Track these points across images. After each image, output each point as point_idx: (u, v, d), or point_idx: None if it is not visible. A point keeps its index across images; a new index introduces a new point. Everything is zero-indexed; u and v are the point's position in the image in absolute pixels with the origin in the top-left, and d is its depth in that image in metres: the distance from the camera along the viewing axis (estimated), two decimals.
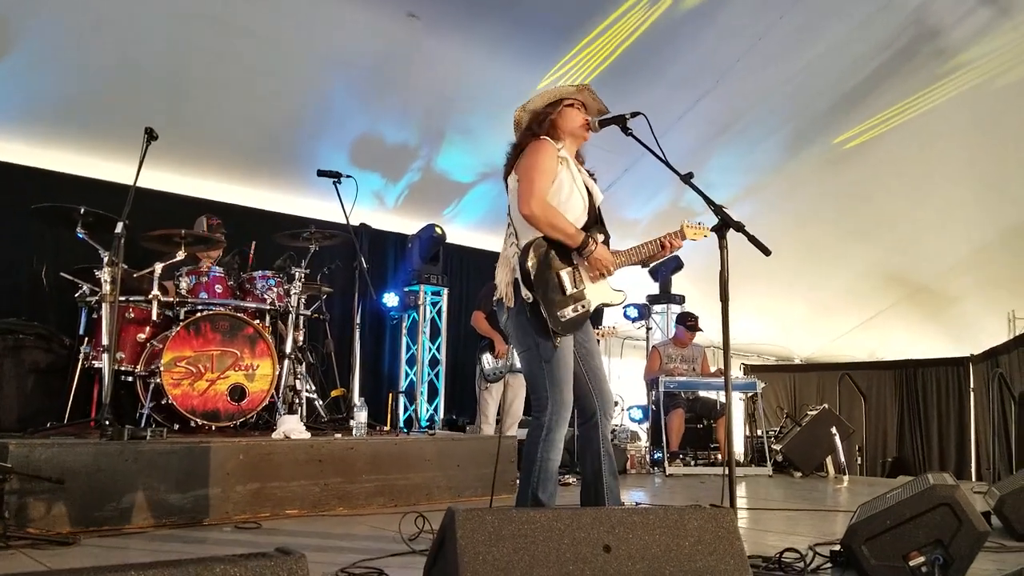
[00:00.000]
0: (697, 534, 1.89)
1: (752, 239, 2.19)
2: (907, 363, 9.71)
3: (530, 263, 2.58)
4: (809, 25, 6.10)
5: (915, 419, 9.56)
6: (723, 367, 2.31)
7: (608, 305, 2.75)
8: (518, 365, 5.40)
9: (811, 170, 8.01)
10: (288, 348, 4.51)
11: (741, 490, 5.18)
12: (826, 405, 6.90)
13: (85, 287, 4.16)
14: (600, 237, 2.71)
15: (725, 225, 2.23)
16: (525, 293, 2.55)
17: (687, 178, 2.37)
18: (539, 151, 2.65)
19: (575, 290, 2.63)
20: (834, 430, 6.50)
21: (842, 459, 6.56)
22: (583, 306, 2.63)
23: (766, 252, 2.20)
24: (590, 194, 2.76)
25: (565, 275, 2.62)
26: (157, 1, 4.83)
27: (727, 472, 2.12)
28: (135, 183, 3.73)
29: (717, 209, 2.28)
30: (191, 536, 2.95)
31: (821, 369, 10.65)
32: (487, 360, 5.44)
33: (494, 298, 2.79)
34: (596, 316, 2.81)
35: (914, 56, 6.58)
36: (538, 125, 2.74)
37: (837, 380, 9.22)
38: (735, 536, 1.94)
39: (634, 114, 2.62)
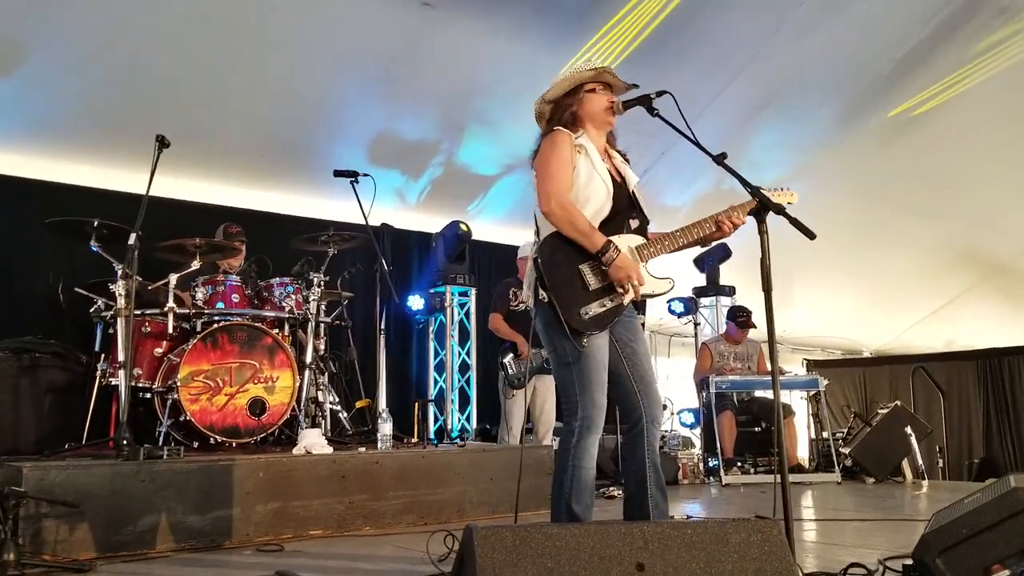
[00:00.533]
0: (741, 550, 1.84)
1: (794, 222, 2.15)
2: (990, 352, 9.41)
3: (543, 260, 2.58)
4: None
5: (1003, 415, 9.26)
6: (774, 363, 2.28)
7: (650, 296, 2.71)
8: (545, 364, 5.39)
9: (868, 144, 7.83)
10: (308, 358, 4.58)
11: (807, 499, 5.08)
12: (899, 402, 6.73)
13: (100, 302, 4.29)
14: (634, 224, 2.68)
15: (764, 208, 2.19)
16: (541, 293, 2.55)
17: (720, 159, 2.34)
18: (553, 143, 2.65)
19: (602, 283, 2.59)
20: (909, 430, 6.33)
21: (920, 462, 6.39)
22: (612, 300, 2.59)
23: (810, 236, 2.16)
24: (623, 179, 2.75)
25: (588, 268, 2.59)
26: (164, 8, 4.96)
27: (779, 479, 2.08)
28: (147, 192, 3.82)
29: (754, 191, 2.26)
30: (211, 560, 3.02)
31: (893, 362, 10.40)
32: (510, 364, 5.41)
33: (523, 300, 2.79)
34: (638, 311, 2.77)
35: (976, 13, 6.39)
36: (559, 116, 2.75)
37: (911, 374, 9.00)
38: (784, 551, 1.90)
39: (660, 93, 2.59)
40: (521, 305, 5.51)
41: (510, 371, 5.41)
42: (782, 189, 2.79)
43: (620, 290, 2.58)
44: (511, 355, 5.43)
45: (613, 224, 2.63)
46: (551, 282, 2.55)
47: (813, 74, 6.85)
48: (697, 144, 2.53)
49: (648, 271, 2.68)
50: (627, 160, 2.85)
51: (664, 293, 2.72)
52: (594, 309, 2.56)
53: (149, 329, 4.28)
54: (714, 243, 2.83)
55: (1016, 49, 6.77)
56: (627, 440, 2.71)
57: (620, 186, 2.70)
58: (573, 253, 2.59)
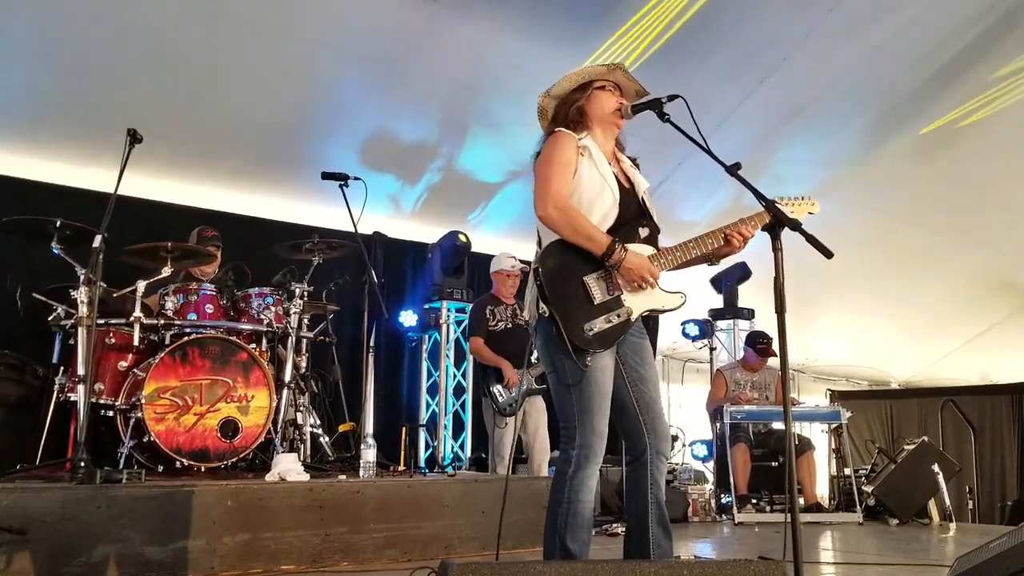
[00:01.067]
0: None
1: (811, 239, 2.11)
2: None
3: (544, 271, 2.52)
4: None
5: None
6: (785, 392, 2.22)
7: (659, 312, 2.65)
8: (534, 384, 5.34)
9: (901, 161, 7.80)
10: (288, 376, 4.53)
11: (825, 541, 5.05)
12: (926, 438, 6.68)
13: (60, 309, 4.24)
14: (644, 232, 2.65)
15: (778, 223, 2.15)
16: (542, 307, 2.50)
17: (733, 169, 2.31)
18: (554, 144, 2.63)
19: (608, 297, 2.55)
20: (936, 468, 6.29)
21: (948, 503, 6.34)
22: (619, 316, 2.54)
23: (828, 255, 2.12)
24: (632, 184, 2.72)
25: (593, 281, 2.55)
26: None
27: (789, 518, 2.03)
28: (116, 191, 3.78)
29: (768, 204, 2.22)
30: None
31: (922, 395, 10.37)
32: (499, 392, 5.34)
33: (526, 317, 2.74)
34: (650, 334, 2.73)
35: (1017, 24, 6.36)
36: (564, 114, 2.72)
37: (940, 408, 8.94)
38: None
39: (671, 97, 2.57)
40: (500, 324, 5.46)
41: (499, 399, 5.34)
42: (803, 198, 2.75)
43: (635, 291, 2.54)
44: (496, 383, 5.35)
45: (621, 233, 2.59)
46: (552, 295, 2.50)
47: (844, 85, 6.83)
48: (709, 152, 2.49)
49: (659, 285, 2.63)
50: (637, 166, 2.82)
51: (675, 308, 2.67)
52: (599, 325, 2.52)
53: (113, 340, 4.22)
54: (725, 258, 2.78)
55: None
56: (630, 473, 2.66)
57: (628, 192, 2.67)
58: (577, 263, 2.55)
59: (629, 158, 2.82)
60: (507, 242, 7.69)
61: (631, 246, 2.57)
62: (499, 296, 5.60)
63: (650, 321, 2.71)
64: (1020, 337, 10.36)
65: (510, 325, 5.47)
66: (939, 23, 6.35)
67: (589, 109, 2.71)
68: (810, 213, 2.68)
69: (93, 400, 3.99)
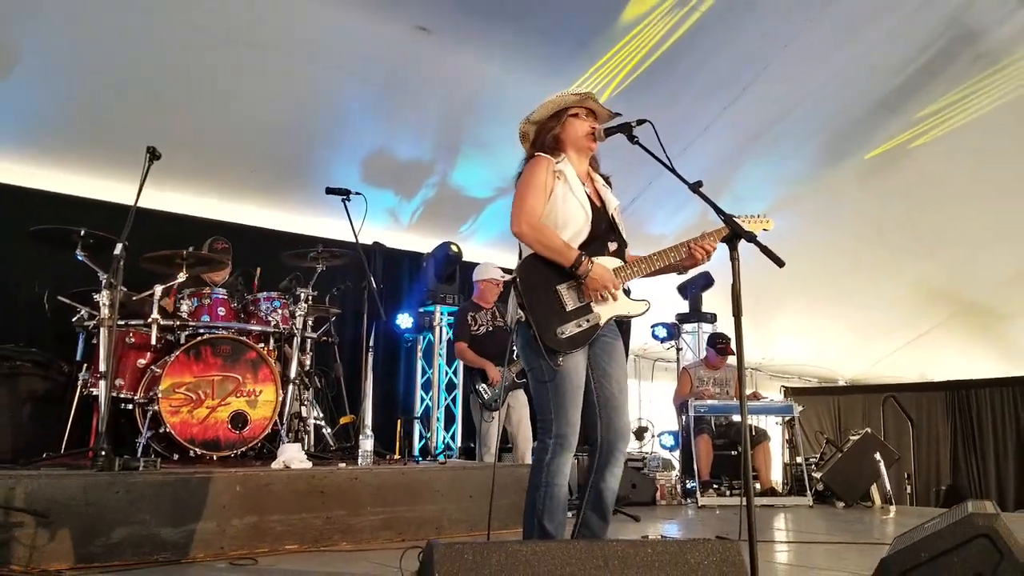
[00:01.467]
0: (699, 570, 1.82)
1: (764, 249, 2.12)
2: (959, 384, 9.43)
3: (522, 281, 2.56)
4: (841, 28, 5.99)
5: (969, 444, 9.28)
6: (753, 390, 2.23)
7: (625, 317, 2.67)
8: (516, 380, 5.34)
9: (850, 181, 7.85)
10: (293, 373, 4.50)
11: (779, 522, 5.07)
12: (868, 429, 6.71)
13: (83, 311, 4.20)
14: (612, 247, 2.66)
15: (736, 235, 2.15)
16: (520, 312, 2.55)
17: (695, 187, 2.31)
18: (532, 168, 2.66)
19: (579, 304, 2.57)
20: (878, 456, 6.32)
21: (888, 488, 6.36)
22: (588, 321, 2.56)
23: (779, 263, 2.13)
24: (603, 203, 2.73)
25: (565, 289, 2.57)
26: (159, 16, 4.87)
27: (744, 502, 2.02)
28: (136, 203, 3.75)
29: (727, 218, 2.23)
30: (182, 572, 2.91)
31: (866, 392, 10.41)
32: (484, 390, 5.34)
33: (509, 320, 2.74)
34: (623, 336, 2.74)
35: (954, 60, 6.43)
36: (542, 139, 2.74)
37: (882, 403, 8.98)
38: (741, 572, 1.87)
39: (640, 121, 2.58)
40: (481, 328, 5.46)
41: (485, 396, 5.35)
42: (758, 216, 2.76)
43: (598, 300, 2.57)
44: (482, 383, 5.35)
45: (592, 248, 2.61)
46: (528, 302, 2.53)
47: (799, 112, 6.87)
48: (673, 171, 2.50)
49: (624, 293, 2.65)
50: (610, 184, 2.83)
51: (640, 314, 2.69)
52: (570, 329, 2.54)
53: (132, 340, 4.19)
54: (691, 271, 2.80)
55: (993, 94, 6.82)
56: (589, 462, 2.67)
57: (599, 211, 2.68)
58: (550, 274, 2.57)
59: (602, 175, 2.83)
60: (495, 252, 7.68)
61: (599, 259, 2.59)
62: (479, 302, 5.60)
63: (622, 324, 2.72)
64: (954, 340, 10.43)
65: (490, 328, 5.48)
66: (884, 58, 6.41)
67: (563, 136, 2.73)
68: (765, 229, 2.70)
69: (113, 394, 3.97)
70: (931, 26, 6.12)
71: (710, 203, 2.25)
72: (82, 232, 3.94)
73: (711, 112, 6.73)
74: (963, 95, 6.82)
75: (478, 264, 5.89)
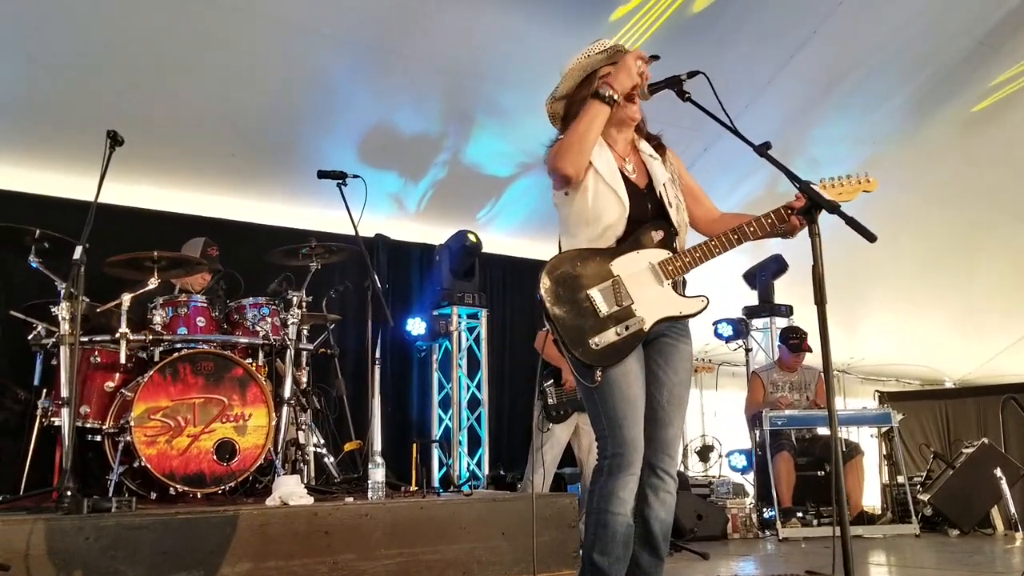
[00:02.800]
0: None
1: (851, 222, 2.10)
2: None
3: (544, 289, 2.58)
4: None
5: None
6: (829, 391, 2.20)
7: (677, 318, 2.65)
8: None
9: (951, 135, 7.72)
10: (287, 392, 4.53)
11: (879, 556, 5.03)
12: (987, 440, 6.61)
13: (40, 327, 4.25)
14: (657, 236, 2.64)
15: (815, 206, 2.13)
16: (546, 324, 2.59)
17: (763, 149, 2.30)
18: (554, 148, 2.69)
19: (616, 308, 2.57)
20: (999, 472, 6.23)
21: (1012, 510, 6.27)
22: (629, 327, 2.56)
23: (871, 238, 2.11)
24: (650, 179, 2.72)
25: (598, 293, 2.58)
26: None
27: (838, 531, 2.00)
28: (96, 198, 3.80)
29: (803, 185, 2.21)
30: None
31: (980, 394, 10.23)
32: (551, 392, 5.38)
33: None
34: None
35: None
36: (574, 114, 2.70)
37: (1000, 407, 8.82)
38: None
39: (692, 74, 2.57)
40: None
41: (550, 400, 5.37)
42: (857, 177, 2.70)
43: (642, 78, 2.57)
44: (554, 383, 5.37)
45: (631, 240, 2.63)
46: (554, 311, 2.56)
47: (883, 55, 6.75)
48: (735, 131, 2.50)
49: (675, 290, 2.65)
50: (662, 148, 2.81)
51: (695, 314, 2.67)
52: (608, 338, 2.55)
53: (98, 359, 4.24)
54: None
55: None
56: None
57: (641, 194, 2.68)
58: (582, 274, 2.59)
59: (652, 139, 2.82)
60: (521, 241, 7.67)
61: (642, 254, 2.62)
62: None
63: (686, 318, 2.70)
64: None
65: None
66: None
67: None
68: (866, 191, 2.65)
69: (78, 424, 4.01)
70: None
71: (781, 168, 2.24)
72: (36, 233, 3.96)
73: (775, 61, 6.66)
74: None
75: (504, 256, 5.89)
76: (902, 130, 7.65)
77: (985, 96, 7.35)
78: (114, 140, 3.93)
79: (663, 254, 2.63)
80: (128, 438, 3.91)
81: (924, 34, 6.64)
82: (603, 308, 2.57)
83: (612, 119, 2.69)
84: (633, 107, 2.71)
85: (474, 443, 7.02)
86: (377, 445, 5.25)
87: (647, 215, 2.66)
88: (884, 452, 6.74)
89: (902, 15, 6.41)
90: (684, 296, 2.67)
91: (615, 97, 2.54)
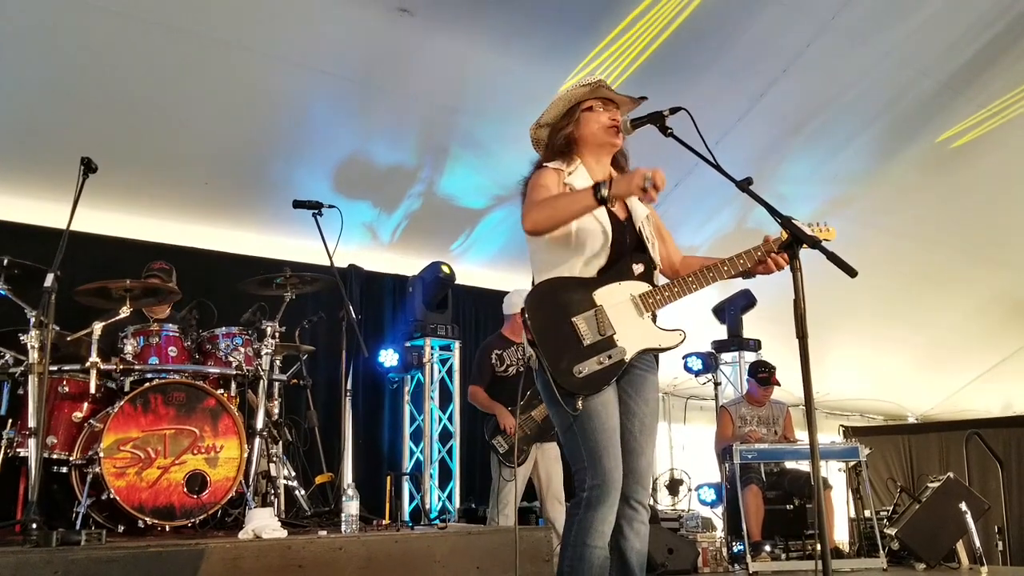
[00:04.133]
0: None
1: (832, 257, 2.15)
2: None
3: (531, 314, 2.61)
4: None
5: None
6: (811, 423, 2.23)
7: (656, 351, 2.71)
8: (542, 426, 5.32)
9: (913, 176, 7.89)
10: (260, 424, 4.49)
11: None
12: (951, 474, 6.67)
13: (8, 355, 4.18)
14: (638, 269, 2.70)
15: (797, 241, 2.18)
16: (529, 351, 2.62)
17: (745, 184, 2.34)
18: (537, 176, 2.74)
19: (599, 337, 2.60)
20: (964, 506, 6.26)
21: (977, 544, 6.30)
22: (611, 356, 2.59)
23: (851, 273, 2.16)
24: (629, 213, 2.77)
25: (583, 321, 2.61)
26: (90, 8, 4.88)
27: (816, 565, 2.02)
28: (68, 226, 3.77)
29: (785, 221, 2.26)
30: None
31: (943, 429, 10.37)
32: (500, 443, 5.35)
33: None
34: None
35: None
36: (553, 144, 2.81)
37: (964, 442, 8.94)
38: None
39: (674, 110, 2.64)
40: (511, 369, 5.46)
41: (500, 450, 5.33)
42: (817, 224, 2.81)
43: (649, 197, 2.53)
44: (498, 434, 5.35)
45: (613, 271, 2.66)
46: (539, 337, 2.59)
47: (850, 96, 6.91)
48: (718, 168, 2.55)
49: (654, 323, 2.69)
50: None
51: (674, 347, 2.73)
52: (590, 367, 2.57)
53: (67, 389, 4.17)
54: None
55: None
56: None
57: (623, 226, 2.73)
58: (566, 302, 2.62)
59: None
60: (494, 273, 7.69)
61: (623, 286, 2.65)
62: (509, 336, 5.60)
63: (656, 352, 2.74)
64: None
65: (521, 367, 5.46)
66: (950, 26, 6.46)
67: (578, 135, 2.79)
68: (826, 239, 2.73)
69: (45, 455, 3.91)
70: None
71: (763, 203, 2.29)
72: (5, 261, 3.94)
73: (744, 101, 6.79)
74: None
75: (478, 288, 5.92)
76: (867, 170, 7.81)
77: (949, 138, 7.53)
78: (88, 167, 3.92)
79: (644, 287, 2.68)
80: (97, 469, 3.83)
81: (890, 76, 6.81)
82: (587, 337, 2.59)
83: (592, 147, 2.76)
84: (616, 137, 2.78)
85: (445, 476, 6.97)
86: (349, 477, 5.20)
87: (627, 248, 2.71)
88: (852, 486, 6.77)
89: (869, 57, 6.57)
90: (662, 329, 2.71)
91: (606, 198, 2.54)
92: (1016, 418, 10.07)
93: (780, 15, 6.09)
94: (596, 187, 2.53)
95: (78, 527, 3.67)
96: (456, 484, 6.92)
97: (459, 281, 7.06)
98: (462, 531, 4.32)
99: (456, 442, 6.98)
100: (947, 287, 9.28)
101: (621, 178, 2.58)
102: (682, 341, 2.71)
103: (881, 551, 6.03)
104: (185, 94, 5.57)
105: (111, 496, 3.82)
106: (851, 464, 6.56)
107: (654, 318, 2.70)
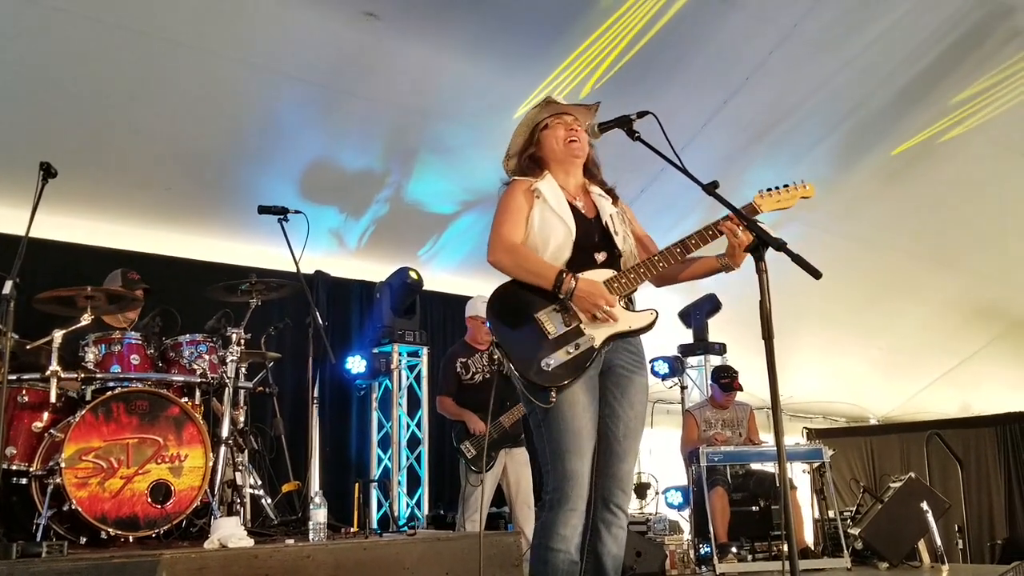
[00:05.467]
0: None
1: (797, 259, 2.18)
2: (1010, 417, 9.56)
3: (494, 314, 2.67)
4: (856, 7, 6.15)
5: None
6: (777, 425, 2.24)
7: (627, 334, 2.69)
8: (510, 432, 5.34)
9: (872, 183, 8.00)
10: (225, 432, 4.42)
11: None
12: (912, 474, 6.75)
13: None
14: (601, 257, 2.73)
15: (762, 243, 2.20)
16: (497, 353, 2.67)
17: (711, 188, 2.37)
18: (504, 195, 2.81)
19: (565, 329, 2.62)
20: (925, 506, 6.35)
21: (938, 543, 6.39)
22: (578, 346, 2.60)
23: (816, 275, 2.19)
24: (598, 213, 2.82)
25: (546, 316, 2.63)
26: (49, 7, 4.79)
27: (783, 566, 2.03)
28: (28, 232, 3.72)
29: (750, 223, 2.28)
30: None
31: (903, 430, 10.52)
32: (467, 448, 5.35)
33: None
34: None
35: (988, 38, 6.63)
36: (520, 166, 2.89)
37: (924, 442, 9.07)
38: None
39: (641, 114, 2.67)
40: (477, 376, 5.45)
41: (468, 455, 5.32)
42: (787, 186, 2.81)
43: (595, 321, 2.60)
44: (466, 439, 5.34)
45: (576, 263, 2.69)
46: (504, 336, 2.62)
47: (811, 105, 7.00)
48: (685, 171, 2.58)
49: (625, 307, 2.70)
50: (614, 195, 2.93)
51: (646, 328, 2.72)
52: (558, 358, 2.58)
53: (26, 398, 4.07)
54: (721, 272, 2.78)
55: None
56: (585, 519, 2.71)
57: (588, 221, 2.77)
58: (529, 301, 2.64)
59: (605, 185, 2.93)
60: (462, 278, 7.68)
61: (586, 273, 2.65)
62: (473, 343, 5.60)
63: (637, 354, 2.75)
64: (1001, 365, 10.61)
65: (487, 375, 5.46)
66: (908, 37, 6.57)
67: (540, 153, 2.85)
68: (804, 197, 2.75)
69: (4, 467, 3.83)
70: (959, 1, 6.30)
71: (728, 205, 2.32)
72: None
73: (708, 108, 6.85)
74: (1003, 77, 7.00)
75: (446, 294, 5.91)
76: (828, 177, 7.89)
77: (902, 142, 7.66)
78: (47, 172, 3.87)
79: (608, 273, 2.71)
80: (58, 480, 3.75)
81: (850, 85, 6.90)
82: (552, 330, 2.61)
83: (556, 161, 2.83)
84: (574, 147, 2.81)
85: (414, 482, 6.94)
86: (316, 485, 5.15)
87: (593, 241, 2.75)
88: (816, 487, 6.83)
89: (830, 65, 6.66)
90: (632, 311, 2.72)
91: (561, 296, 2.61)
92: (974, 419, 10.24)
93: (744, 24, 6.15)
94: (559, 279, 2.59)
95: (39, 539, 3.59)
96: (425, 491, 6.89)
97: (427, 287, 7.04)
98: (431, 538, 4.31)
99: (424, 448, 6.96)
100: (905, 293, 9.41)
101: (586, 293, 2.60)
102: (654, 320, 2.72)
103: (845, 551, 6.09)
104: (148, 98, 5.50)
105: (73, 507, 3.74)
106: (815, 465, 6.62)
107: (626, 303, 2.71)
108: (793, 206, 2.73)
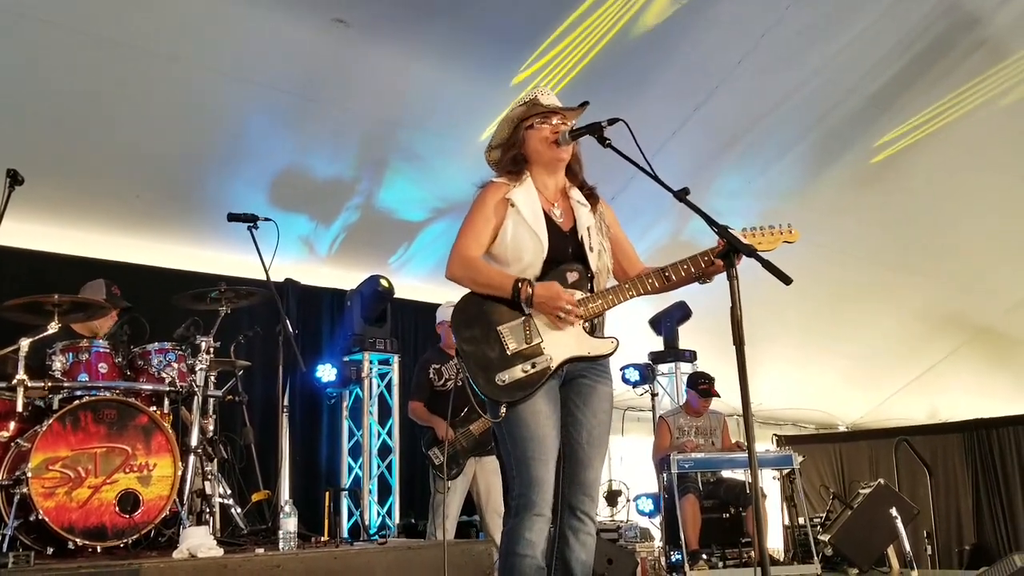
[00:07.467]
0: None
1: (767, 265, 2.23)
2: (977, 423, 9.72)
3: (455, 325, 2.68)
4: (824, 17, 6.27)
5: (994, 494, 9.49)
6: (736, 439, 2.30)
7: (586, 359, 2.72)
8: (480, 440, 5.35)
9: (840, 192, 8.09)
10: (194, 441, 4.42)
11: None
12: (882, 480, 6.85)
13: None
14: (572, 277, 2.73)
15: (733, 250, 2.25)
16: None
17: (682, 194, 2.41)
18: (476, 200, 2.82)
19: (525, 346, 2.64)
20: (895, 512, 6.44)
21: (908, 548, 6.48)
22: (535, 364, 2.63)
23: (786, 281, 2.24)
24: (575, 224, 2.81)
25: (507, 330, 2.66)
26: (13, 13, 4.76)
27: (755, 573, 2.08)
28: None
29: (721, 230, 2.32)
30: None
31: (872, 437, 10.63)
32: (435, 454, 5.36)
33: None
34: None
35: (952, 49, 6.77)
36: (504, 165, 2.87)
37: (893, 448, 9.20)
38: None
39: (612, 121, 2.69)
40: (449, 383, 5.47)
41: (436, 461, 5.33)
42: (775, 227, 2.86)
43: (560, 324, 2.64)
44: (434, 445, 5.36)
45: (547, 280, 2.70)
46: (464, 348, 2.65)
47: (781, 112, 7.10)
48: (655, 178, 2.61)
49: (590, 331, 2.72)
50: (595, 196, 2.92)
51: (605, 356, 2.75)
52: (514, 374, 2.61)
53: None
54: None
55: (996, 84, 7.15)
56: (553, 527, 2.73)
57: (562, 235, 2.77)
58: (491, 313, 2.66)
59: (586, 187, 2.93)
60: (433, 286, 7.68)
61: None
62: (447, 349, 5.61)
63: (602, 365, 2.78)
64: (968, 372, 10.76)
65: (459, 383, 5.46)
66: (874, 47, 6.69)
67: (526, 152, 2.84)
68: (787, 242, 2.79)
69: None
70: (925, 11, 6.44)
71: (700, 213, 2.36)
72: None
73: (677, 116, 6.92)
74: (968, 88, 7.13)
75: (417, 302, 5.93)
76: (796, 187, 8.00)
77: (874, 154, 7.78)
78: (14, 179, 3.87)
79: (577, 295, 2.70)
80: (24, 490, 3.72)
81: (817, 94, 7.01)
82: (511, 345, 2.63)
83: (540, 163, 2.82)
84: (559, 150, 2.81)
85: (384, 491, 6.94)
86: (286, 494, 5.15)
87: (566, 257, 2.75)
88: (786, 494, 6.90)
89: (799, 74, 6.75)
90: (596, 337, 2.73)
91: (520, 303, 2.64)
92: (942, 425, 10.38)
93: (714, 31, 6.23)
94: (515, 288, 2.62)
95: (5, 550, 3.58)
96: (396, 499, 6.89)
97: (398, 295, 7.03)
98: (402, 546, 4.34)
99: (395, 457, 6.95)
100: (873, 300, 9.52)
101: (545, 297, 2.63)
102: (614, 349, 2.74)
103: (815, 557, 6.16)
104: (116, 105, 5.48)
105: (39, 517, 3.72)
106: (785, 472, 6.68)
107: (591, 327, 2.72)
108: (776, 248, 2.76)
